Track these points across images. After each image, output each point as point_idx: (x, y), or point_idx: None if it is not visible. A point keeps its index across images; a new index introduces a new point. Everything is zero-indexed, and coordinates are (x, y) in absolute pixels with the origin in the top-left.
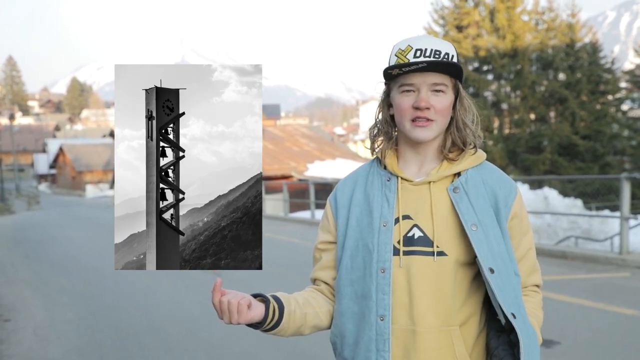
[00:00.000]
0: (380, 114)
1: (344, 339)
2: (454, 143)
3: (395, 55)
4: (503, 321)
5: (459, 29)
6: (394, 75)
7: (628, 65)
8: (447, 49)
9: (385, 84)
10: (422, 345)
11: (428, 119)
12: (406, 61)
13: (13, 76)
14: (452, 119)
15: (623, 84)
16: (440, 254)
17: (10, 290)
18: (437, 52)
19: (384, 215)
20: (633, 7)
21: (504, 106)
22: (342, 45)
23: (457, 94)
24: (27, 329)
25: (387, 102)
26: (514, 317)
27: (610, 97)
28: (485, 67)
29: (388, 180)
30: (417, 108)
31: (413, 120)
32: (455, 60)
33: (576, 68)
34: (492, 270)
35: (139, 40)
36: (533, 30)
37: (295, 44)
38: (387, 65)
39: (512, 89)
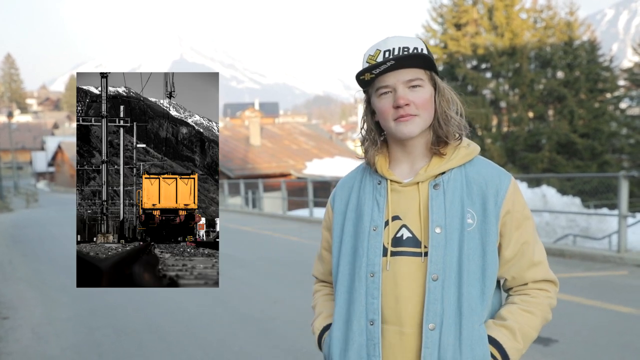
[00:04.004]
0: (365, 123)
1: (332, 344)
2: (439, 137)
3: (367, 62)
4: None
5: (458, 27)
6: (367, 80)
7: (626, 63)
8: (415, 44)
9: (364, 92)
10: (409, 346)
11: (410, 115)
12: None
13: (11, 74)
14: (435, 112)
15: (621, 82)
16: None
17: (9, 288)
18: (406, 49)
19: (374, 219)
20: (631, 5)
21: (503, 104)
22: (341, 43)
23: (435, 87)
24: (25, 327)
25: (369, 110)
26: (432, 329)
27: (608, 95)
28: (483, 65)
29: (379, 184)
30: (397, 107)
31: (396, 119)
32: (425, 53)
33: (574, 66)
34: (434, 278)
35: (138, 39)
36: (531, 28)
37: (294, 41)
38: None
39: (510, 87)
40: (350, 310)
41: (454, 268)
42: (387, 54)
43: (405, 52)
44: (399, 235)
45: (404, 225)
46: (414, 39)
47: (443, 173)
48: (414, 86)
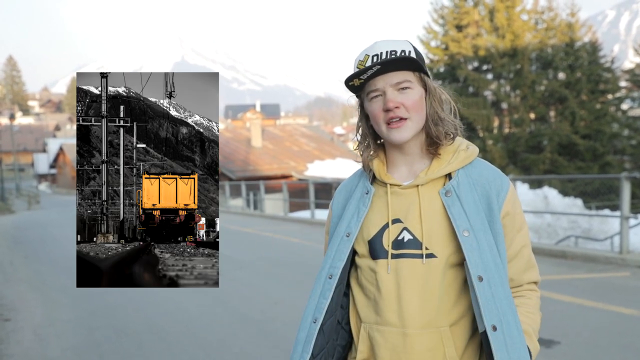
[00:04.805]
0: (361, 129)
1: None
2: (431, 138)
3: (357, 67)
4: (481, 330)
5: (459, 28)
6: (357, 86)
7: (628, 64)
8: (403, 46)
9: (357, 96)
10: (411, 347)
11: (401, 118)
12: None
13: (13, 76)
14: (426, 113)
15: (623, 83)
16: (430, 256)
17: (10, 289)
18: (393, 52)
19: (349, 227)
20: (632, 6)
21: (504, 105)
22: (342, 44)
23: (426, 88)
24: (27, 329)
25: (364, 115)
26: (494, 329)
27: (610, 96)
28: (484, 67)
29: (366, 193)
30: (387, 110)
31: (388, 124)
32: (412, 55)
33: (576, 67)
34: (480, 279)
35: (139, 40)
36: (532, 30)
37: (295, 43)
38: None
39: (511, 88)
40: (305, 310)
41: (492, 266)
42: (375, 59)
43: (393, 56)
44: (400, 237)
45: (405, 228)
46: (403, 42)
47: (447, 176)
48: (403, 88)
